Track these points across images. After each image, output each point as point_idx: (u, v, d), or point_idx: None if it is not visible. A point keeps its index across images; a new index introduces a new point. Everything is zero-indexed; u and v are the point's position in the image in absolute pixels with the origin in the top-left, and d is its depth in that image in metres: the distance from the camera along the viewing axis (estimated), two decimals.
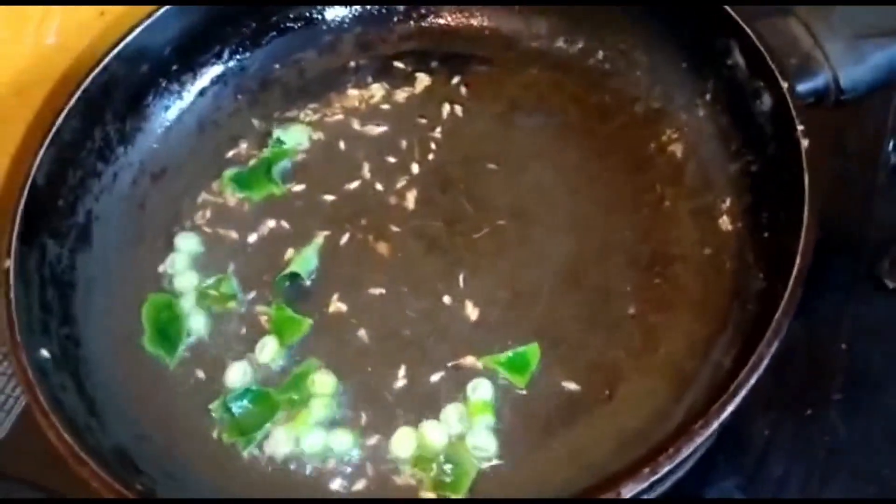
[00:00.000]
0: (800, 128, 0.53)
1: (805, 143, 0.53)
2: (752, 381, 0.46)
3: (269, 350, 0.59)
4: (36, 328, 0.56)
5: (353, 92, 0.71)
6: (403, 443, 0.55)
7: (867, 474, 0.58)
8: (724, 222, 0.60)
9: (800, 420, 0.60)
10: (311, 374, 0.57)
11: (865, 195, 0.66)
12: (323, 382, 0.57)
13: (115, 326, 0.61)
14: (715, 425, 0.45)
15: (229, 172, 0.68)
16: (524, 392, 0.56)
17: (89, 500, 0.54)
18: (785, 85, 0.55)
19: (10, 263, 0.56)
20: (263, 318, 0.61)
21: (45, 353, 0.55)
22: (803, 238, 0.49)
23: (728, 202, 0.60)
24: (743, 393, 0.46)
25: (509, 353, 0.56)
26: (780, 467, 0.58)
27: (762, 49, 0.57)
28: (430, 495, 0.53)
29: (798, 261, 0.49)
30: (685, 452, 0.44)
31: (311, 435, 0.56)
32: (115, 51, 0.65)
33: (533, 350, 0.56)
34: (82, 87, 0.63)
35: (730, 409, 0.45)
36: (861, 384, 0.61)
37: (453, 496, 0.53)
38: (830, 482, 0.58)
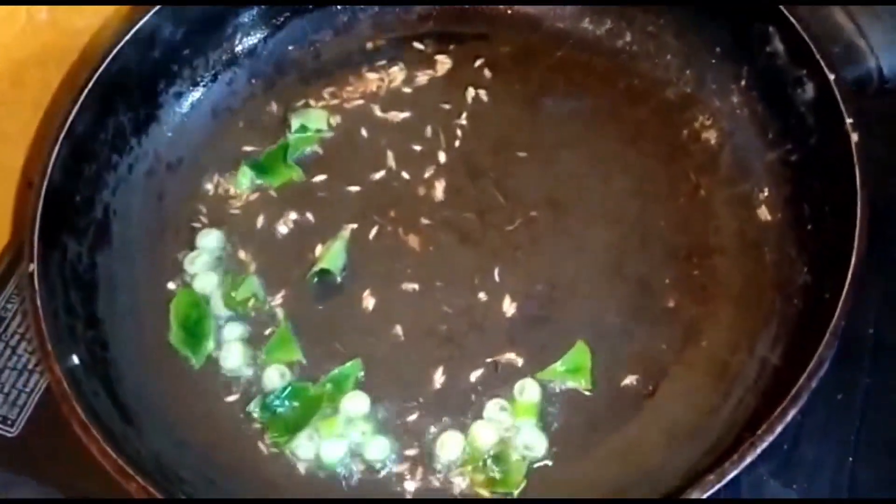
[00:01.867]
0: (849, 121, 0.53)
1: (855, 137, 0.52)
2: (814, 384, 0.46)
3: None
4: (64, 334, 0.54)
5: (371, 75, 0.69)
6: (449, 447, 0.54)
7: None
8: (763, 213, 0.59)
9: (831, 405, 0.60)
10: (343, 398, 0.56)
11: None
12: (356, 405, 0.56)
13: (142, 325, 0.60)
14: (779, 430, 0.45)
15: (247, 161, 0.65)
16: (568, 389, 0.55)
17: (100, 500, 0.54)
18: (832, 76, 0.54)
19: (34, 267, 0.54)
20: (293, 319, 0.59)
21: (75, 359, 0.53)
22: (857, 237, 0.49)
23: (766, 192, 0.59)
24: (805, 396, 0.45)
25: (561, 363, 0.55)
26: (813, 452, 0.59)
27: (806, 37, 0.55)
28: (485, 493, 0.52)
29: (853, 260, 0.49)
30: (749, 458, 0.44)
31: (342, 443, 0.55)
32: (126, 38, 0.62)
33: (581, 349, 0.56)
34: (94, 77, 0.60)
35: (792, 412, 0.45)
36: (889, 367, 0.60)
37: (505, 493, 0.52)
38: (863, 465, 0.58)
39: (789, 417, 0.45)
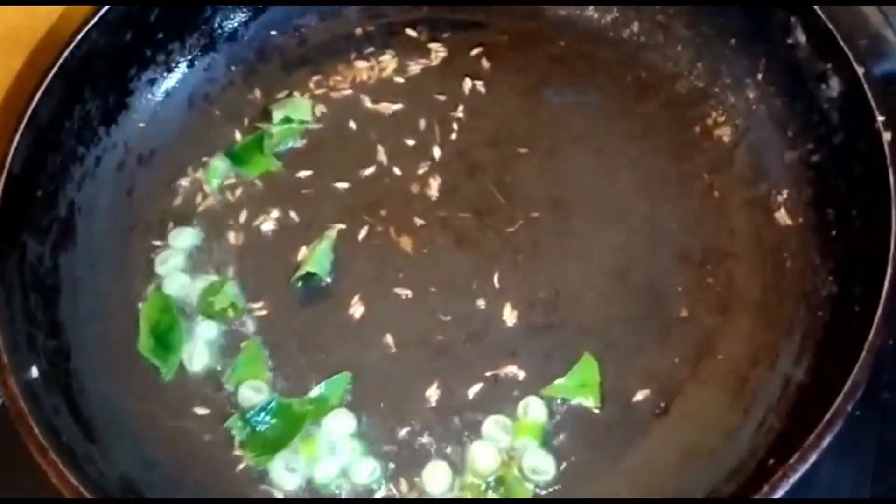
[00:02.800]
0: (880, 118, 0.49)
1: (888, 136, 0.48)
2: (849, 407, 0.42)
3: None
4: (22, 343, 0.49)
5: (360, 63, 0.64)
6: (434, 479, 0.49)
7: None
8: (782, 216, 0.55)
9: (848, 422, 0.56)
10: (326, 417, 0.51)
11: None
12: (340, 424, 0.51)
13: (108, 332, 0.55)
14: (813, 458, 0.41)
15: (221, 150, 0.61)
16: (574, 406, 0.51)
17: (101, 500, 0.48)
18: (861, 70, 0.50)
19: None
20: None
21: (34, 371, 0.48)
22: (893, 244, 0.45)
23: (785, 194, 0.56)
24: (840, 422, 0.41)
25: (567, 378, 0.51)
26: (829, 473, 0.54)
27: (832, 28, 0.51)
28: None
29: (889, 270, 0.45)
30: (781, 491, 0.40)
31: (327, 464, 0.50)
32: (95, 18, 0.57)
33: (588, 363, 0.51)
34: (59, 61, 0.55)
35: (827, 439, 0.41)
36: None
37: None
38: (882, 487, 0.54)
39: (824, 444, 0.41)
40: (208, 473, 0.50)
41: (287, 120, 0.62)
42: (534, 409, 0.50)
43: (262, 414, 0.51)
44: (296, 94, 0.63)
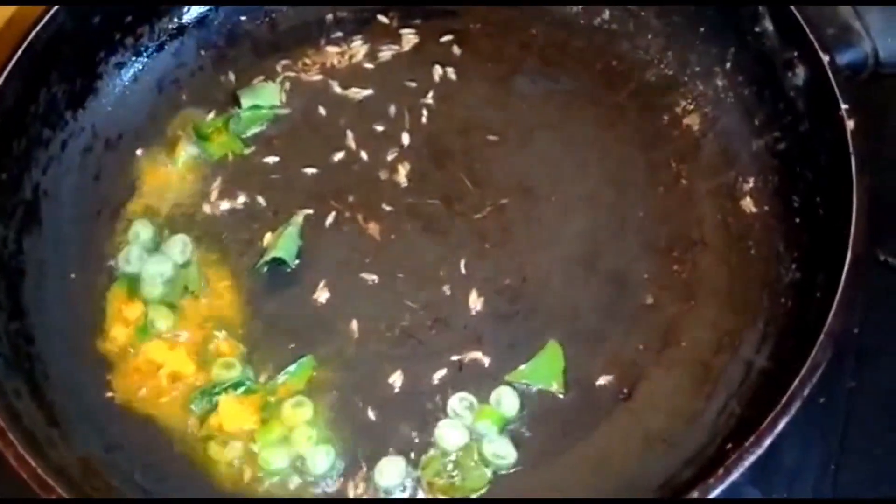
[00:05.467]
0: (844, 107, 0.49)
1: (851, 124, 0.48)
2: (807, 391, 0.42)
3: None
4: None
5: (331, 49, 0.64)
6: (388, 473, 0.49)
7: (882, 462, 0.55)
8: (748, 204, 0.55)
9: (812, 409, 0.56)
10: (285, 403, 0.51)
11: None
12: (299, 413, 0.51)
13: (72, 317, 0.54)
14: (768, 441, 0.41)
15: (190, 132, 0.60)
16: (538, 391, 0.51)
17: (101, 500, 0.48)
18: (826, 58, 0.50)
19: None
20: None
21: None
22: (853, 232, 0.45)
23: (752, 182, 0.56)
24: (797, 404, 0.42)
25: (531, 364, 0.51)
26: (794, 458, 0.55)
27: (798, 17, 0.52)
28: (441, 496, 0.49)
29: (849, 257, 0.45)
30: (736, 473, 0.40)
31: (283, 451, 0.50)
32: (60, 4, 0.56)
33: (553, 349, 0.51)
34: (24, 44, 0.55)
35: (783, 422, 0.41)
36: (875, 370, 0.57)
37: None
38: (847, 473, 0.54)
39: (779, 427, 0.41)
40: (173, 455, 0.50)
41: (256, 105, 0.61)
42: (507, 401, 0.50)
43: (226, 391, 0.51)
44: (265, 79, 0.63)
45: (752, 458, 0.41)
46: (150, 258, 0.56)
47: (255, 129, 0.61)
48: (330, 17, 0.65)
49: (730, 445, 0.44)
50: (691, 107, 0.59)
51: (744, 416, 0.47)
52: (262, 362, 0.53)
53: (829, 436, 0.55)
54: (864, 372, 0.57)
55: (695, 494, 0.40)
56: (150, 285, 0.55)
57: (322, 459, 0.49)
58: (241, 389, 0.52)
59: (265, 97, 0.62)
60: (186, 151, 0.60)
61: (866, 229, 0.46)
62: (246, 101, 0.61)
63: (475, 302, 0.54)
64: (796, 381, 0.42)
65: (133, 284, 0.55)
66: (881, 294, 0.57)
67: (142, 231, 0.57)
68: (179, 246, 0.56)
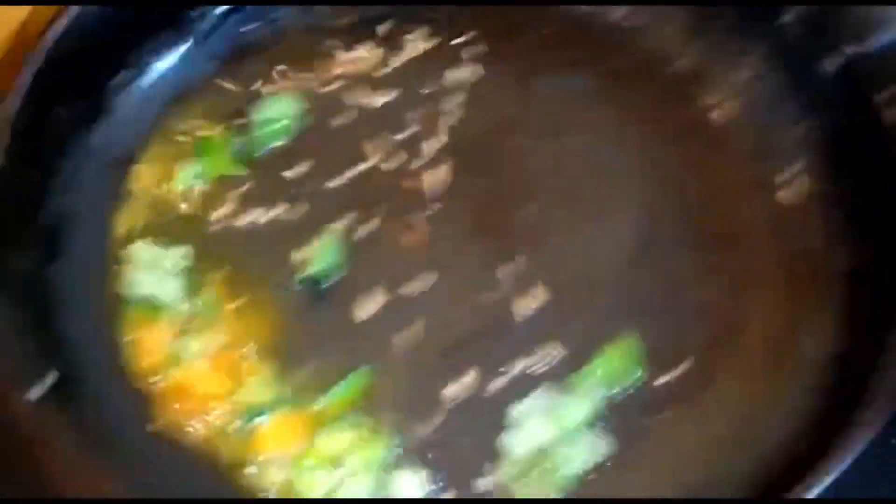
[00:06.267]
0: (880, 93, 0.49)
1: (888, 110, 0.48)
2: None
3: None
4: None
5: (343, 56, 0.62)
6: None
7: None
8: (787, 195, 0.55)
9: None
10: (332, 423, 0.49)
11: None
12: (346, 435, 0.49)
13: (102, 347, 0.51)
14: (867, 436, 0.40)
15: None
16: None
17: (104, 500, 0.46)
18: (859, 44, 0.50)
19: None
20: None
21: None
22: None
23: (788, 173, 0.55)
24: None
25: (596, 363, 0.50)
26: None
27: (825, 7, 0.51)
28: None
29: None
30: (836, 471, 0.39)
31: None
32: (65, 22, 0.53)
33: (626, 345, 0.50)
34: (34, 68, 0.52)
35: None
36: None
37: None
38: None
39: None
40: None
41: (268, 121, 0.59)
42: (575, 404, 0.49)
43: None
44: (275, 90, 0.60)
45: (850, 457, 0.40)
46: (171, 280, 0.53)
47: (269, 144, 0.59)
48: (340, 23, 0.63)
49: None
50: (719, 99, 0.58)
51: (826, 407, 0.46)
52: (303, 383, 0.51)
53: None
54: None
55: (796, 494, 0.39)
56: (168, 307, 0.52)
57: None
58: (284, 409, 0.49)
59: (279, 109, 0.59)
60: (195, 167, 0.57)
61: None
62: (258, 115, 0.59)
63: (529, 304, 0.52)
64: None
65: (151, 308, 0.53)
66: None
67: (143, 252, 0.54)
68: (184, 261, 0.54)
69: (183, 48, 0.60)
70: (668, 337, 0.51)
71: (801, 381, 0.48)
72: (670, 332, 0.51)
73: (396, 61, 0.62)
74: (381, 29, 0.63)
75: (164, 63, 0.60)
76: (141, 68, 0.59)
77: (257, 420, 0.49)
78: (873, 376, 0.42)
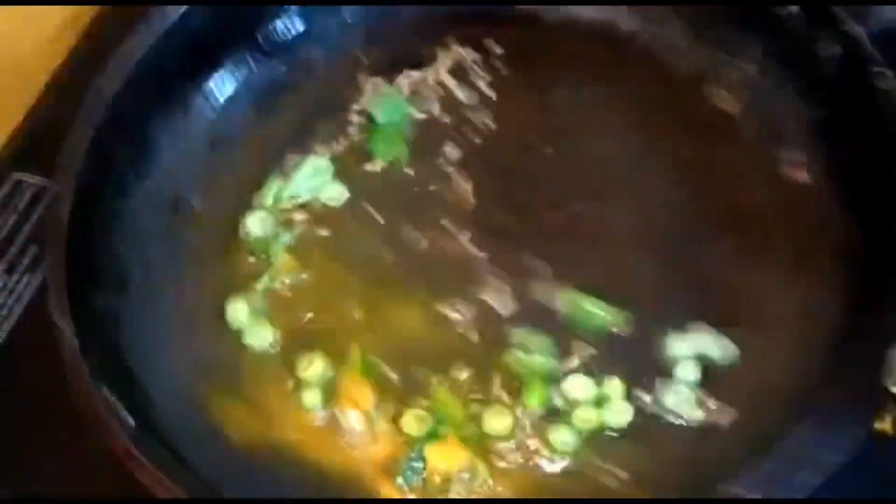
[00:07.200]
0: (878, 69, 0.53)
1: (887, 86, 0.52)
2: None
3: None
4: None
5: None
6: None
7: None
8: (796, 176, 0.59)
9: None
10: None
11: None
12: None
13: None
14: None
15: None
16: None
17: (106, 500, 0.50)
18: (857, 27, 0.54)
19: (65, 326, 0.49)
20: None
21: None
22: None
23: (796, 155, 0.59)
24: None
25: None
26: None
27: None
28: None
29: None
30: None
31: None
32: (120, 68, 0.58)
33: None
34: (93, 120, 0.56)
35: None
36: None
37: None
38: None
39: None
40: None
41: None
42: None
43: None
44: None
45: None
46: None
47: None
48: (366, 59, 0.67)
49: None
50: (728, 93, 0.62)
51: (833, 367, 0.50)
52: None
53: None
54: None
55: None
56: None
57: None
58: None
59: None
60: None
61: None
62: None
63: (557, 301, 0.56)
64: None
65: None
66: None
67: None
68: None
69: (224, 96, 0.65)
70: (685, 315, 0.55)
71: (808, 358, 0.52)
72: (688, 311, 0.55)
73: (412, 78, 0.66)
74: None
75: (208, 110, 0.64)
76: (182, 115, 0.63)
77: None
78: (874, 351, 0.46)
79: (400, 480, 0.52)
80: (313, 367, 0.55)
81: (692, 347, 0.54)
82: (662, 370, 0.54)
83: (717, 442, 0.51)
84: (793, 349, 0.53)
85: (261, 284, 0.58)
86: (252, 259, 0.60)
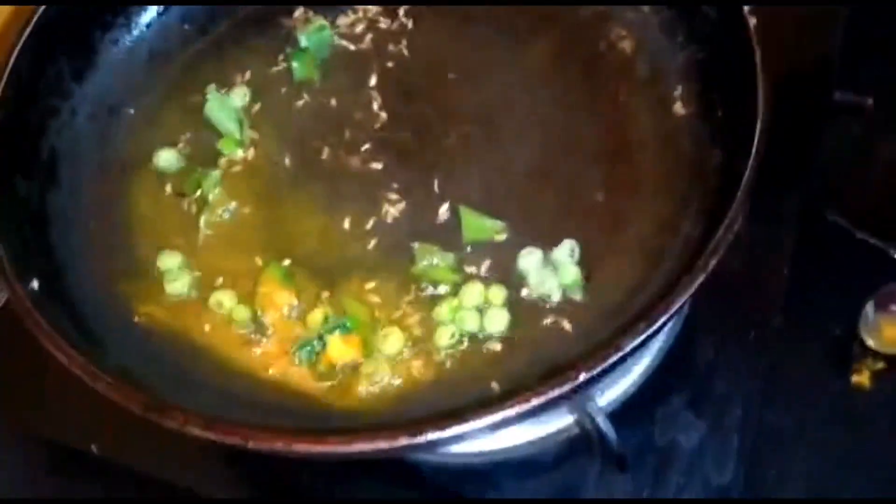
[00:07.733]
0: (747, 8, 0.57)
1: (753, 20, 0.57)
2: (731, 236, 0.50)
3: None
4: (21, 259, 0.56)
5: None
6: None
7: (806, 396, 0.62)
8: (678, 108, 0.63)
9: (743, 342, 0.62)
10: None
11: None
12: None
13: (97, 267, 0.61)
14: (691, 290, 0.49)
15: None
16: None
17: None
18: None
19: None
20: None
21: (35, 283, 0.55)
22: (760, 104, 0.54)
23: (679, 90, 0.64)
24: (723, 248, 0.50)
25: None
26: (725, 386, 0.61)
27: None
28: None
29: (760, 118, 0.53)
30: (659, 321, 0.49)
31: None
32: None
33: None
34: (31, 24, 0.63)
35: (713, 262, 0.49)
36: (801, 308, 0.64)
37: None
38: (772, 403, 0.61)
39: (698, 283, 0.50)
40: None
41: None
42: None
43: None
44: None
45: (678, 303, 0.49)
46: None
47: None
48: None
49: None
50: (623, 33, 0.67)
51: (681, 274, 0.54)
52: None
53: (757, 369, 0.61)
54: (791, 316, 0.63)
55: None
56: None
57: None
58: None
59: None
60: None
61: (771, 109, 0.54)
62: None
63: (444, 213, 0.62)
64: (712, 241, 0.50)
65: None
66: (819, 250, 0.65)
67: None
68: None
69: (161, 13, 0.71)
70: (560, 234, 0.60)
71: (665, 265, 0.57)
72: (561, 236, 0.59)
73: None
74: None
75: (146, 26, 0.71)
76: (124, 30, 0.69)
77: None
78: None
79: (297, 355, 0.58)
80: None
81: (549, 261, 0.59)
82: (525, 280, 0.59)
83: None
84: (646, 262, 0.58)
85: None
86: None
